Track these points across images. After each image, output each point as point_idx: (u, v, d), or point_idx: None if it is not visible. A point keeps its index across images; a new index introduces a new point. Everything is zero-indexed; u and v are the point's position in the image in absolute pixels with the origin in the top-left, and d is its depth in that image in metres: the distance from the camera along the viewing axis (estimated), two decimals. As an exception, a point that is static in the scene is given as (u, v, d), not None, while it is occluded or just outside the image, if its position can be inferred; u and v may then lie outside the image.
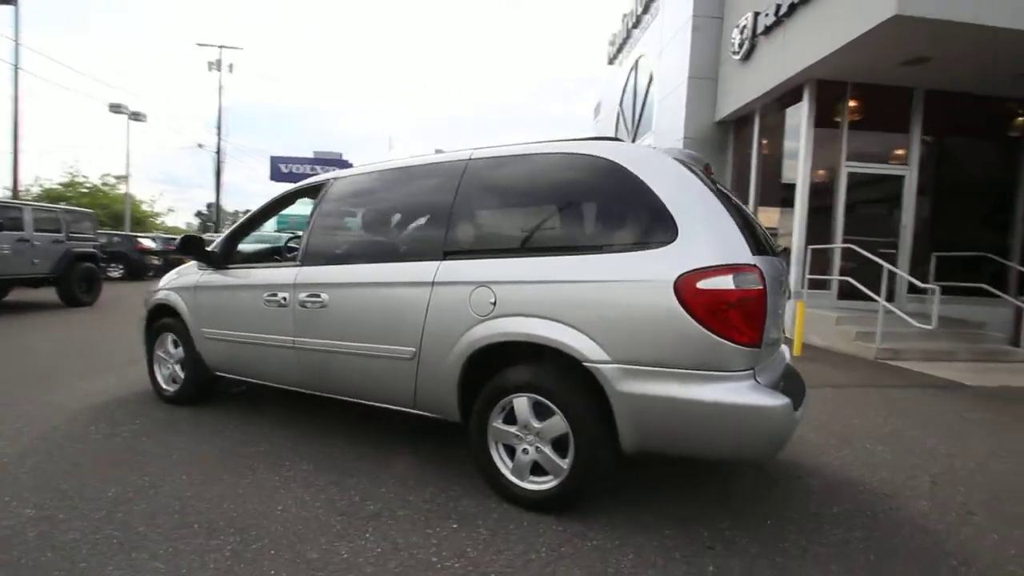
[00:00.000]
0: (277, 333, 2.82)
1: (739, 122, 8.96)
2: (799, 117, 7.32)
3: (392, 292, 2.43)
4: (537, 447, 2.10)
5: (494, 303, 2.13)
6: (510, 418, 2.16)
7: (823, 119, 7.19)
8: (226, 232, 3.32)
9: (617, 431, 1.93)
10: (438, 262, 2.32)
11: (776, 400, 1.76)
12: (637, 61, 12.64)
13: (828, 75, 6.84)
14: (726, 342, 1.76)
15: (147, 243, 15.63)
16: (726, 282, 1.76)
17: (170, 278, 3.60)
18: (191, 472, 2.40)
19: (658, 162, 2.05)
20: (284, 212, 5.30)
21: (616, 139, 2.21)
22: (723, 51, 8.89)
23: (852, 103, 7.18)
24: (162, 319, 3.51)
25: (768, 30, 7.37)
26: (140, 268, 14.83)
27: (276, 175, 29.12)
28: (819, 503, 2.28)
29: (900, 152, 7.36)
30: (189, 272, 3.43)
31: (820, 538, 1.98)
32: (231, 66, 27.15)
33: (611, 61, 14.92)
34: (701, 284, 1.77)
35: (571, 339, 1.96)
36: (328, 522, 1.99)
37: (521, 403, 2.12)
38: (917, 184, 7.26)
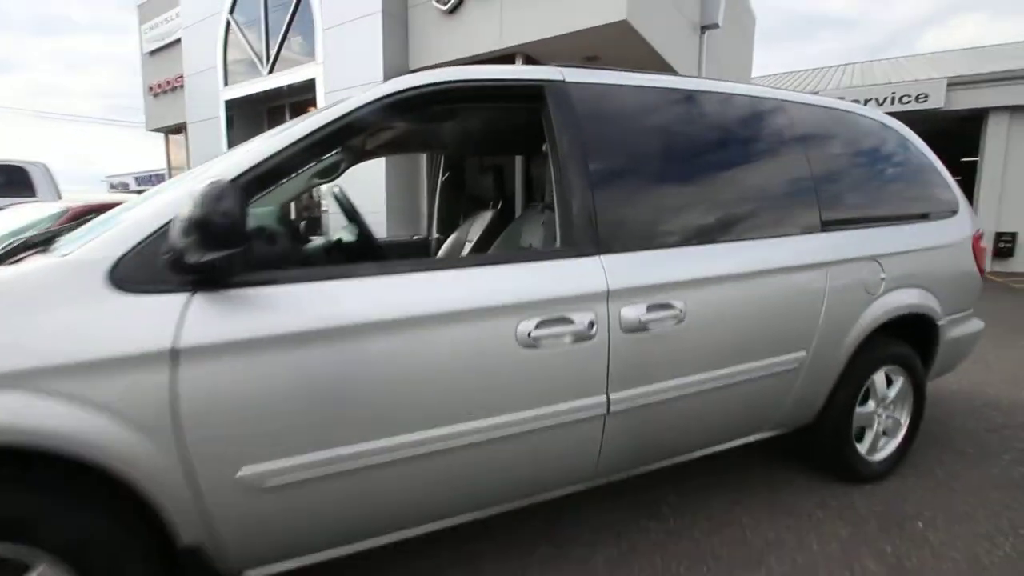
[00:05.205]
0: (562, 399, 1.36)
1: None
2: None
3: (780, 282, 1.68)
4: (887, 416, 2.12)
5: (883, 278, 1.92)
6: (865, 398, 2.06)
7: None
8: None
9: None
10: (822, 234, 1.80)
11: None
12: (267, -34, 10.18)
13: (534, 53, 7.90)
14: (981, 283, 2.35)
15: None
16: (985, 240, 2.34)
17: None
18: None
19: (918, 138, 2.31)
20: None
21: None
22: (411, -7, 8.56)
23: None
24: None
25: (483, -9, 7.68)
26: None
27: None
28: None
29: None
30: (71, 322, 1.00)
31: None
32: None
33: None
34: (981, 243, 2.28)
35: (931, 302, 2.08)
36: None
37: (880, 378, 2.06)
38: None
